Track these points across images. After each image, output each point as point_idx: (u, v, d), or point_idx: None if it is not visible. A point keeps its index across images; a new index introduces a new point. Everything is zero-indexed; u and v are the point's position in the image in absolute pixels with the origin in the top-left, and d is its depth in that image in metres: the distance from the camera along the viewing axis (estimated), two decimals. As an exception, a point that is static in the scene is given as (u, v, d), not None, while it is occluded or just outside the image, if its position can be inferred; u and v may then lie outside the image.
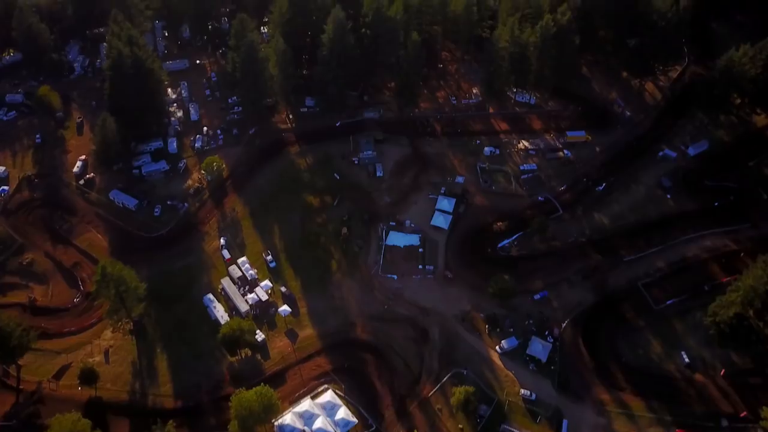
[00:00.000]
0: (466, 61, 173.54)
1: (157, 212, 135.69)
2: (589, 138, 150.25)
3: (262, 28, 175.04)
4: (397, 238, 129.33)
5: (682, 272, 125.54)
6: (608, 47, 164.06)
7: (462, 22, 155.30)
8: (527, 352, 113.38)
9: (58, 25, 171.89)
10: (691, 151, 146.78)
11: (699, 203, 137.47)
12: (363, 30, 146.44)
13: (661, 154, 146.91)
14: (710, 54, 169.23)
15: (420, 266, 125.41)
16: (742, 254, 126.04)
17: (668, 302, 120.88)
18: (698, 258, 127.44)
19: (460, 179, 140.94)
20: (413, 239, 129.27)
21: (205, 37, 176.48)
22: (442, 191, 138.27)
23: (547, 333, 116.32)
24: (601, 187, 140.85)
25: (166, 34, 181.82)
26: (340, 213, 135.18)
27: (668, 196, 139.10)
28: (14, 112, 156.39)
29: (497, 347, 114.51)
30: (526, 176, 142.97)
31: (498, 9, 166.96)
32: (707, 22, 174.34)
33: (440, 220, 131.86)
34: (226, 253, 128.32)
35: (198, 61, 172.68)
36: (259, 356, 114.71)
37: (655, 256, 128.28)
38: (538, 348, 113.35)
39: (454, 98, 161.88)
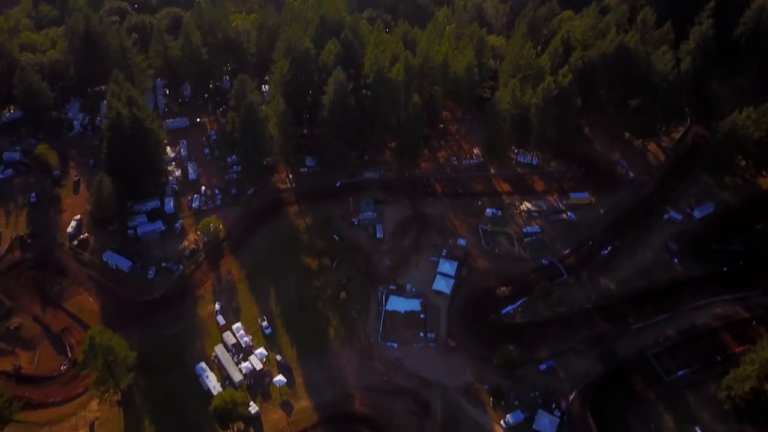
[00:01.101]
0: (466, 120, 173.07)
1: (151, 274, 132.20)
2: (593, 200, 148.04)
3: (263, 86, 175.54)
4: (398, 303, 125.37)
5: (693, 341, 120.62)
6: (610, 108, 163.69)
7: (463, 84, 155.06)
8: (534, 427, 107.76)
9: (60, 82, 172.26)
10: (697, 213, 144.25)
11: (707, 268, 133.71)
12: (364, 91, 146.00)
13: (666, 216, 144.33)
14: (712, 115, 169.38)
15: (421, 334, 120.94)
16: (754, 322, 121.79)
17: (679, 373, 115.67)
18: (709, 326, 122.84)
19: (461, 241, 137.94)
20: (414, 304, 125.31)
21: (206, 96, 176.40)
22: (444, 254, 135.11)
23: (554, 406, 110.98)
24: (606, 251, 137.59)
25: (167, 92, 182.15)
26: (338, 276, 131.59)
27: (675, 260, 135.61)
28: (11, 170, 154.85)
29: (502, 421, 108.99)
30: (529, 239, 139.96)
31: (499, 70, 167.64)
32: (708, 84, 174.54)
33: (442, 285, 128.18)
34: (220, 319, 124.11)
35: (198, 120, 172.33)
36: (252, 430, 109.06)
37: (665, 323, 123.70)
38: (545, 422, 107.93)
39: (455, 158, 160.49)
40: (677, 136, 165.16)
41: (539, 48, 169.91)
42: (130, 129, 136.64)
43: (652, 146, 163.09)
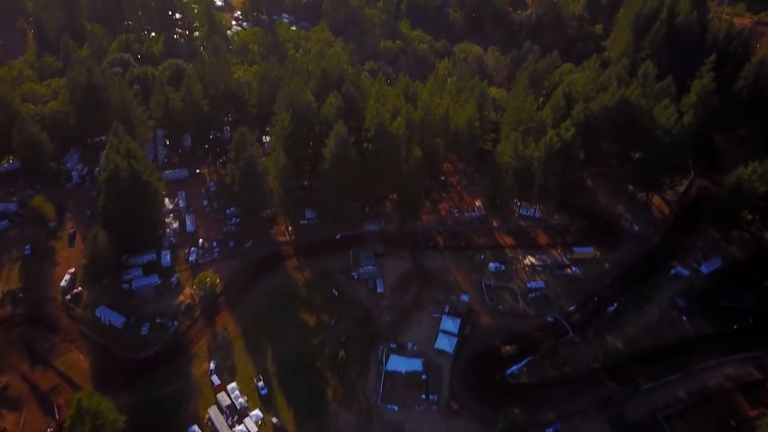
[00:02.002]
0: (468, 172, 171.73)
1: (144, 331, 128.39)
2: (598, 254, 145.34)
3: (263, 137, 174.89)
4: (399, 363, 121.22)
5: (705, 404, 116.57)
6: (613, 160, 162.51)
7: (464, 137, 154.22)
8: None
9: (60, 133, 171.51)
10: (704, 268, 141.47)
11: (717, 326, 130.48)
12: (365, 144, 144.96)
13: (673, 272, 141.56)
14: (715, 167, 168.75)
15: (423, 396, 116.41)
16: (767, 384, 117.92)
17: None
18: (721, 387, 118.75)
19: (464, 297, 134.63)
20: (415, 364, 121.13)
21: (206, 147, 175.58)
22: (446, 310, 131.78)
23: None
24: (612, 308, 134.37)
25: (168, 142, 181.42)
26: (337, 333, 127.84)
27: (684, 317, 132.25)
28: (6, 221, 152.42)
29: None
30: (533, 295, 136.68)
31: (500, 122, 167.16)
32: (710, 136, 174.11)
33: (444, 343, 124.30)
34: (215, 379, 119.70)
35: (198, 170, 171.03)
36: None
37: (675, 384, 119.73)
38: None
39: (456, 211, 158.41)
40: (681, 188, 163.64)
41: (540, 100, 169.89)
42: (128, 181, 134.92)
43: (656, 199, 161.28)
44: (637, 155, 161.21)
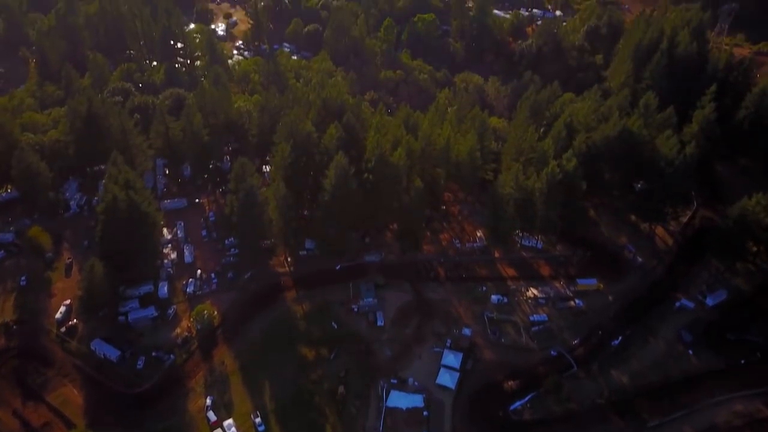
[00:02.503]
0: (469, 202, 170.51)
1: (140, 365, 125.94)
2: (601, 286, 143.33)
3: (264, 167, 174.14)
4: (399, 399, 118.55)
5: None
6: (615, 191, 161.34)
7: (465, 167, 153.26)
8: None
9: (59, 162, 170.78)
10: (710, 301, 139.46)
11: (724, 360, 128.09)
12: (366, 174, 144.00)
13: (678, 304, 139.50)
14: (718, 197, 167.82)
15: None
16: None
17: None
18: (730, 425, 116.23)
19: (466, 331, 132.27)
20: (417, 400, 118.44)
21: (206, 176, 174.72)
22: (448, 344, 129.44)
23: None
24: (616, 341, 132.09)
25: (167, 171, 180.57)
26: (337, 367, 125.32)
27: (690, 351, 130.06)
28: (2, 251, 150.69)
29: None
30: (536, 328, 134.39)
31: (501, 152, 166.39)
32: (713, 166, 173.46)
33: (446, 378, 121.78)
34: (211, 415, 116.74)
35: (197, 200, 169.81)
36: None
37: (682, 420, 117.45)
38: None
39: (458, 241, 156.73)
40: (684, 219, 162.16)
41: (541, 130, 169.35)
42: (126, 212, 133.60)
43: (659, 230, 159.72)
44: (639, 185, 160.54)
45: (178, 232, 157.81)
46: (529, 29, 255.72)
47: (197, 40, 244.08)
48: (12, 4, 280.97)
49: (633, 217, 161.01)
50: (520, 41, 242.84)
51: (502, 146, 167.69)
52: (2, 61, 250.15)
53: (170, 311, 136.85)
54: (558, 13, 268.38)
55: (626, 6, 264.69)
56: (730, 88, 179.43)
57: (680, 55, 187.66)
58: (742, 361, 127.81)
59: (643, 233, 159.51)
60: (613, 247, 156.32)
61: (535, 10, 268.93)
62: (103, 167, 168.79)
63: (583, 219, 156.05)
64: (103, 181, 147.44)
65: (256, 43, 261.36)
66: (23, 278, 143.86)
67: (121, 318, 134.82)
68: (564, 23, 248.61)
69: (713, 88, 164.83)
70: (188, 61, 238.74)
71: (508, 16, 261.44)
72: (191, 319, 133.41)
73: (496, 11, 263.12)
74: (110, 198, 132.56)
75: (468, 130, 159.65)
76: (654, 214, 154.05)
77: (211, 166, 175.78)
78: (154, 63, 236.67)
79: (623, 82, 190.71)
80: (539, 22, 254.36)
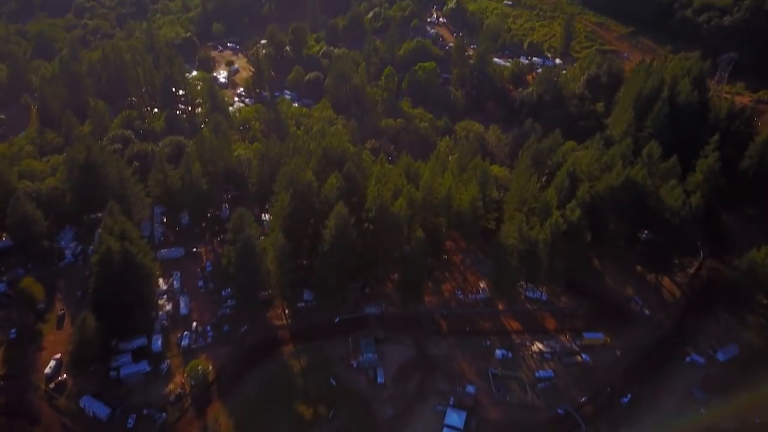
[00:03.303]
0: (471, 251, 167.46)
1: (130, 423, 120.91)
2: (608, 340, 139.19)
3: (263, 215, 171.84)
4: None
5: None
6: (620, 241, 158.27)
7: (467, 217, 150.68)
8: None
9: (55, 210, 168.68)
10: (721, 356, 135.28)
11: (737, 419, 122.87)
12: (366, 224, 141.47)
13: (688, 359, 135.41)
14: (725, 247, 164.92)
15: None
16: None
17: None
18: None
19: (470, 388, 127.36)
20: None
21: (204, 225, 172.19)
22: (451, 402, 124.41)
23: None
24: (626, 399, 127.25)
25: (165, 219, 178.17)
26: (335, 427, 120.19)
27: (702, 410, 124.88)
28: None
29: None
30: (542, 384, 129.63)
31: (502, 200, 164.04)
32: (718, 216, 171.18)
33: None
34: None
35: (194, 249, 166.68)
36: None
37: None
38: None
39: (460, 292, 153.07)
40: (691, 270, 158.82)
41: (544, 179, 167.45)
42: (121, 264, 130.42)
43: (665, 281, 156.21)
44: (645, 234, 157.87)
45: (174, 282, 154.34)
46: (529, 77, 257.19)
47: (198, 88, 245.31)
48: (16, 52, 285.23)
49: (639, 268, 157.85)
50: (520, 89, 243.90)
51: (504, 195, 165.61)
52: (4, 107, 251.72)
53: (163, 366, 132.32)
54: (558, 61, 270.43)
55: (625, 54, 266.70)
56: (733, 137, 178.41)
57: (681, 103, 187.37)
58: (757, 420, 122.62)
59: (649, 284, 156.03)
60: (619, 298, 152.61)
61: (535, 59, 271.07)
62: (100, 215, 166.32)
63: (587, 270, 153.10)
64: (99, 231, 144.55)
65: (257, 91, 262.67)
66: (13, 331, 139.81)
67: (113, 373, 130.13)
68: (564, 71, 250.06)
69: (716, 137, 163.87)
70: (189, 108, 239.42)
71: (508, 64, 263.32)
72: (185, 375, 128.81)
73: (496, 59, 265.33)
74: (105, 249, 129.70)
75: (470, 179, 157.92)
76: (660, 265, 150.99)
77: (209, 215, 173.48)
78: (155, 110, 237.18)
79: (625, 131, 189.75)
80: (539, 70, 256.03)
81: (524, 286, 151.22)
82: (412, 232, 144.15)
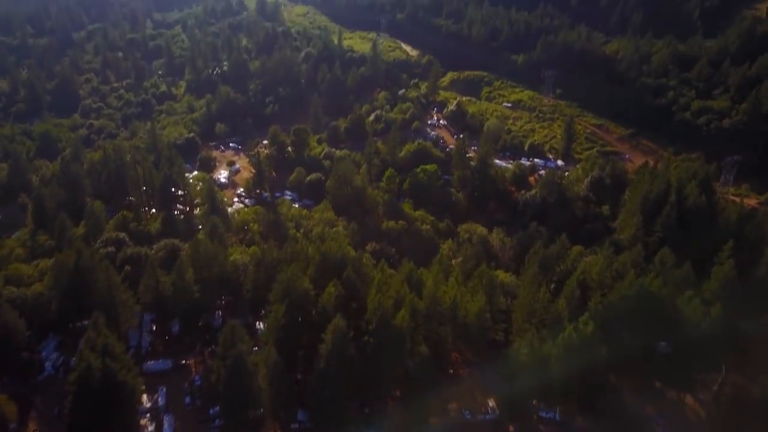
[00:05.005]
0: (479, 364, 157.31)
1: None
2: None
3: (257, 323, 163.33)
4: None
5: None
6: (636, 354, 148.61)
7: (474, 328, 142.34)
8: None
9: (40, 318, 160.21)
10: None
11: None
12: (366, 337, 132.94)
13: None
14: (747, 359, 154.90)
15: None
16: None
17: None
18: None
19: None
20: None
21: (195, 334, 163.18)
22: None
23: None
24: None
25: (154, 328, 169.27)
26: None
27: None
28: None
29: None
30: None
31: (510, 309, 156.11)
32: (737, 326, 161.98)
33: None
34: None
35: (183, 361, 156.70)
36: None
37: None
38: None
39: (468, 413, 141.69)
40: (714, 387, 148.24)
41: (552, 286, 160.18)
42: (101, 382, 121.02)
43: (687, 399, 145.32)
44: (663, 345, 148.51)
45: (159, 399, 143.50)
46: (531, 179, 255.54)
47: (198, 188, 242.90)
48: (19, 151, 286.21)
49: (658, 384, 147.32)
50: (523, 191, 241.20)
51: (511, 302, 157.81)
52: (2, 207, 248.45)
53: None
54: (560, 162, 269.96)
55: (627, 156, 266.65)
56: (745, 242, 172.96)
57: (690, 207, 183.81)
58: None
59: (670, 401, 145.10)
60: (639, 418, 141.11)
61: (536, 160, 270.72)
62: (86, 323, 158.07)
63: (603, 386, 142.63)
64: (80, 347, 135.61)
65: (257, 191, 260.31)
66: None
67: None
68: (567, 173, 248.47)
69: (730, 244, 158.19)
70: (187, 209, 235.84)
71: (509, 165, 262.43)
72: None
73: (497, 161, 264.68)
74: (84, 367, 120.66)
75: (475, 288, 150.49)
76: (681, 380, 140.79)
77: (201, 323, 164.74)
78: (153, 210, 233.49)
79: (634, 235, 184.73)
80: (541, 172, 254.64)
81: (536, 405, 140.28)
82: (415, 345, 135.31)
